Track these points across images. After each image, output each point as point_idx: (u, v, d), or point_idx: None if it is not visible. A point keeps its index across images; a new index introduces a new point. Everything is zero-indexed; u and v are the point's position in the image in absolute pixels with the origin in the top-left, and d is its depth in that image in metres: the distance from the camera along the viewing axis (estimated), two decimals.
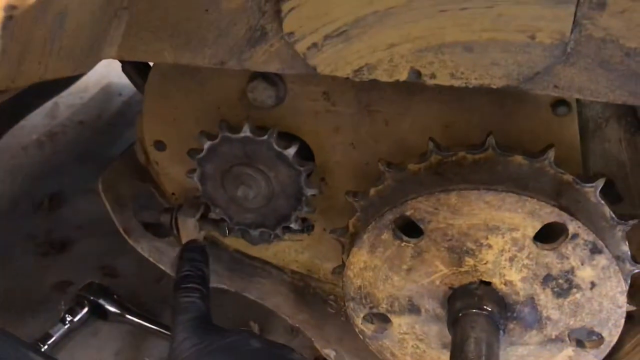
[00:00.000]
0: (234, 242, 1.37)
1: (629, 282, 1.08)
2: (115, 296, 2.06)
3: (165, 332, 1.94)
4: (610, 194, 1.12)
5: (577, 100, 1.05)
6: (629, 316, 1.17)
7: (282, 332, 2.00)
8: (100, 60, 1.05)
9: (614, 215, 1.02)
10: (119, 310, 2.02)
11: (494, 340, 0.98)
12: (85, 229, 2.50)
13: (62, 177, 2.79)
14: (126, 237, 1.27)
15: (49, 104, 3.23)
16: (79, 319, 2.00)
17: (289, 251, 1.36)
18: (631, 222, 1.03)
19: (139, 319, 2.00)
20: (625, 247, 1.05)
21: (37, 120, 3.22)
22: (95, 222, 2.50)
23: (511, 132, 1.07)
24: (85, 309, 2.01)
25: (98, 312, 2.03)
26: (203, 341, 1.10)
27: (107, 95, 3.62)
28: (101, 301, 2.02)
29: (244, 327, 2.01)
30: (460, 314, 1.02)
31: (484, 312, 1.01)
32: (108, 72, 3.66)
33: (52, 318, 2.00)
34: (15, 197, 2.70)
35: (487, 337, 0.98)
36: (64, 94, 3.16)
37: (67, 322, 1.97)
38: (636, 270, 1.07)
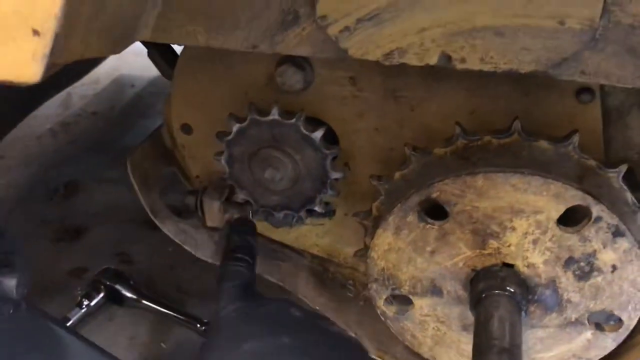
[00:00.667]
0: (261, 227, 1.39)
1: None
2: (130, 282, 2.09)
3: (181, 317, 1.98)
4: (631, 181, 1.14)
5: (601, 88, 1.08)
6: None
7: None
8: (134, 41, 1.07)
9: (636, 201, 1.04)
10: (134, 295, 2.04)
11: (516, 320, 1.00)
12: (99, 216, 2.53)
13: (76, 166, 2.82)
14: (152, 217, 1.29)
15: (62, 95, 3.27)
16: (96, 304, 2.03)
17: (310, 235, 1.38)
18: None
19: (154, 304, 2.03)
20: None
21: (50, 110, 3.26)
22: (110, 210, 2.54)
23: (535, 118, 1.09)
24: (102, 294, 2.04)
25: (114, 298, 2.06)
26: (246, 306, 1.13)
27: (120, 86, 3.66)
28: (117, 286, 2.05)
29: None
30: (483, 295, 1.04)
31: (507, 293, 1.03)
32: (120, 64, 3.70)
33: (68, 303, 2.03)
34: (30, 185, 2.74)
35: (510, 316, 1.00)
36: (77, 85, 3.20)
37: (84, 306, 2.00)
38: None
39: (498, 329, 0.97)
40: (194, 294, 2.17)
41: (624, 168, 1.02)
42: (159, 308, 2.02)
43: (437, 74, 1.11)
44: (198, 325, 1.95)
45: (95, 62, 3.03)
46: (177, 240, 1.33)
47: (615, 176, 1.03)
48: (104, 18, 0.89)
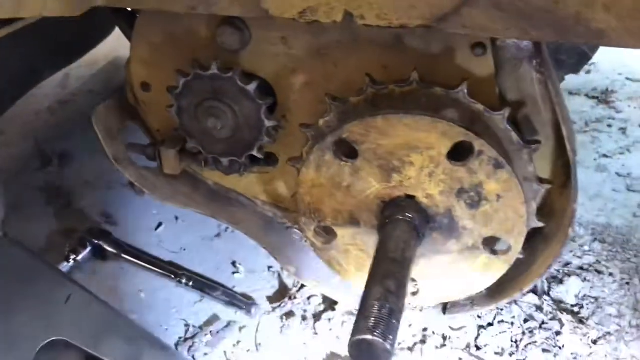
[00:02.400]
0: (211, 175, 1.57)
1: (537, 200, 1.28)
2: (113, 239, 2.29)
3: (158, 270, 2.18)
4: (528, 128, 1.31)
5: (493, 43, 1.24)
6: (543, 236, 1.37)
7: (265, 271, 2.23)
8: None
9: (520, 140, 1.21)
10: (116, 251, 2.25)
11: (411, 240, 1.18)
12: (90, 184, 2.74)
13: (71, 139, 3.02)
14: (115, 164, 1.47)
15: (60, 75, 3.47)
16: (82, 258, 2.23)
17: (258, 183, 1.56)
18: (534, 145, 1.22)
19: (134, 258, 2.23)
20: (531, 169, 1.24)
21: (49, 90, 3.47)
22: (100, 178, 2.74)
23: (438, 70, 1.25)
24: (87, 250, 2.25)
25: (98, 253, 2.26)
26: None
27: (116, 67, 3.85)
28: (101, 243, 2.25)
29: (230, 267, 2.25)
30: (386, 221, 1.22)
31: (406, 219, 1.20)
32: (117, 46, 3.89)
33: (58, 258, 2.24)
34: (27, 157, 2.95)
35: (406, 237, 1.18)
36: (74, 66, 3.39)
37: (70, 260, 2.20)
38: (542, 190, 1.26)
39: (393, 245, 1.15)
40: (173, 250, 2.37)
41: (507, 111, 1.19)
42: (138, 262, 2.21)
43: (355, 33, 1.27)
44: (173, 276, 2.15)
45: (92, 43, 3.23)
46: (137, 184, 1.52)
47: (500, 118, 1.19)
48: None
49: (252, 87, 1.31)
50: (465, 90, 1.18)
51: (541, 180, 1.25)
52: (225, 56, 1.35)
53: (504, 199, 1.19)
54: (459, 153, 1.19)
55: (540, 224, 1.30)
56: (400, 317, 1.02)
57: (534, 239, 1.42)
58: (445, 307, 1.51)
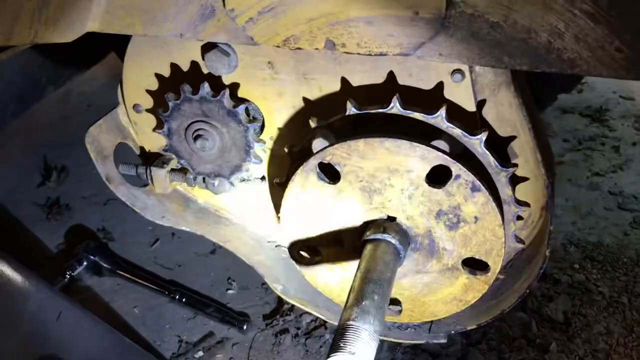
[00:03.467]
0: (201, 194, 1.61)
1: (515, 221, 1.31)
2: (109, 254, 2.33)
3: (153, 286, 2.21)
4: (508, 152, 1.34)
5: (472, 70, 1.27)
6: (524, 256, 1.40)
7: (258, 288, 2.26)
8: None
9: (497, 163, 1.24)
10: (112, 266, 2.28)
11: (390, 260, 1.20)
12: (88, 199, 2.79)
13: (71, 155, 3.07)
14: (107, 184, 1.51)
15: (61, 92, 3.53)
16: (77, 274, 2.27)
17: (248, 204, 1.59)
18: (511, 169, 1.25)
19: (129, 274, 2.27)
20: (509, 191, 1.27)
21: (51, 106, 3.52)
22: (98, 194, 2.78)
23: (419, 95, 1.29)
24: (83, 265, 2.28)
25: (94, 269, 2.30)
26: None
27: (116, 83, 3.90)
28: (97, 258, 2.29)
29: (224, 284, 2.28)
30: (367, 241, 1.25)
31: (386, 240, 1.24)
32: (119, 62, 3.94)
33: (55, 273, 2.28)
34: (27, 172, 3.00)
35: (387, 257, 1.21)
36: (76, 82, 3.45)
37: (66, 275, 2.24)
38: (520, 212, 1.29)
39: (373, 265, 1.18)
40: (168, 266, 2.40)
41: (484, 135, 1.22)
42: (133, 277, 2.25)
43: (338, 58, 1.31)
44: (167, 293, 2.18)
45: (93, 60, 3.28)
46: (128, 203, 1.55)
47: (478, 142, 1.23)
48: (49, 12, 1.12)
49: (240, 109, 1.35)
50: (444, 115, 1.21)
51: (519, 202, 1.28)
52: (213, 80, 1.39)
53: (482, 220, 1.22)
54: (440, 176, 1.22)
55: (520, 245, 1.33)
56: (377, 337, 1.05)
57: (515, 259, 1.46)
58: (430, 327, 1.53)
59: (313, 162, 1.27)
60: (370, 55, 1.18)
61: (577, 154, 3.03)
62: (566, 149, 3.07)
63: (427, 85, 1.29)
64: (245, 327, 2.08)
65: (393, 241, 1.23)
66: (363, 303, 1.07)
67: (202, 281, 2.33)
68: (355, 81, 1.33)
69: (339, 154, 1.24)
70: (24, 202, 2.77)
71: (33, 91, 2.89)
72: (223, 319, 2.12)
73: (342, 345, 1.01)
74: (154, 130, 1.51)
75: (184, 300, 2.16)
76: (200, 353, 2.03)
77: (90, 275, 2.30)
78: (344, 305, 1.10)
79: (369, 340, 1.02)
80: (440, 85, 1.28)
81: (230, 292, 2.27)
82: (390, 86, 1.31)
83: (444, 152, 1.18)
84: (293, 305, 2.15)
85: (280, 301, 2.19)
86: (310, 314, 2.08)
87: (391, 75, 1.30)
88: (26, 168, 3.02)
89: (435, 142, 1.24)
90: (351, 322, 1.04)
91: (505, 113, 1.30)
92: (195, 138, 1.37)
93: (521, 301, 2.09)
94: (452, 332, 1.48)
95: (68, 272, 2.25)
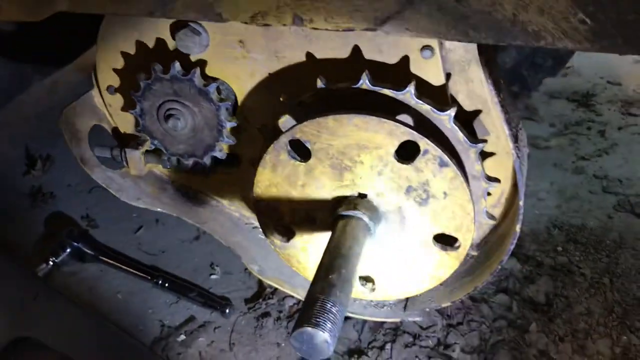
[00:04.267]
0: (178, 176, 1.61)
1: (485, 198, 1.31)
2: (92, 241, 2.33)
3: (136, 272, 2.21)
4: (479, 128, 1.34)
5: (441, 46, 1.27)
6: (498, 234, 1.40)
7: (241, 273, 2.27)
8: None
9: (467, 139, 1.25)
10: (95, 253, 2.28)
11: (360, 236, 1.21)
12: (72, 188, 2.79)
13: (57, 144, 3.06)
14: (82, 166, 1.51)
15: (48, 82, 3.51)
16: (61, 260, 2.26)
17: (222, 184, 1.59)
18: (480, 144, 1.25)
19: (113, 260, 2.27)
20: (479, 167, 1.27)
21: (38, 95, 3.51)
22: (82, 182, 2.78)
23: (389, 72, 1.29)
24: (66, 252, 2.28)
25: (77, 255, 2.30)
26: None
27: None
28: (80, 245, 2.29)
29: (208, 269, 2.28)
30: (338, 218, 1.25)
31: (357, 216, 1.24)
32: None
33: (39, 260, 2.28)
34: (13, 161, 2.99)
35: (356, 233, 1.21)
36: (63, 72, 3.44)
37: (50, 262, 2.24)
38: (490, 187, 1.30)
39: (342, 240, 1.18)
40: (152, 252, 2.40)
41: (452, 111, 1.22)
42: (116, 263, 2.25)
43: (308, 36, 1.31)
44: (150, 278, 2.18)
45: (81, 51, 3.27)
46: (104, 186, 1.55)
47: (447, 118, 1.23)
48: None
49: (211, 88, 1.34)
50: (412, 91, 1.21)
51: (489, 178, 1.28)
52: (185, 60, 1.39)
53: (451, 196, 1.23)
54: (410, 152, 1.22)
55: (490, 221, 1.33)
56: (344, 311, 1.05)
57: (489, 236, 1.46)
58: (406, 305, 1.54)
59: (283, 140, 1.27)
60: (338, 30, 1.17)
61: (563, 139, 3.03)
62: (552, 134, 3.07)
63: (396, 61, 1.28)
64: (227, 311, 2.08)
65: (363, 217, 1.23)
66: (330, 277, 1.08)
67: (186, 267, 2.33)
68: (326, 58, 1.33)
69: (309, 131, 1.24)
70: (9, 191, 2.76)
71: (19, 81, 2.89)
72: (206, 303, 2.12)
73: (307, 318, 1.01)
74: (126, 110, 1.50)
75: (166, 285, 2.16)
76: (183, 337, 2.04)
77: (73, 261, 2.30)
78: (312, 280, 1.11)
79: (334, 314, 1.03)
80: (408, 62, 1.27)
81: (213, 277, 2.27)
82: (360, 63, 1.31)
83: (411, 127, 1.17)
84: (275, 289, 2.16)
85: (262, 285, 2.19)
86: (292, 297, 2.10)
87: (361, 52, 1.30)
88: (11, 157, 3.01)
89: (401, 118, 1.23)
90: (317, 295, 1.05)
91: (475, 89, 1.30)
92: (167, 118, 1.37)
93: (501, 281, 2.12)
94: (427, 309, 1.48)
95: (51, 259, 2.25)
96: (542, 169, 2.79)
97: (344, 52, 1.31)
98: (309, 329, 0.99)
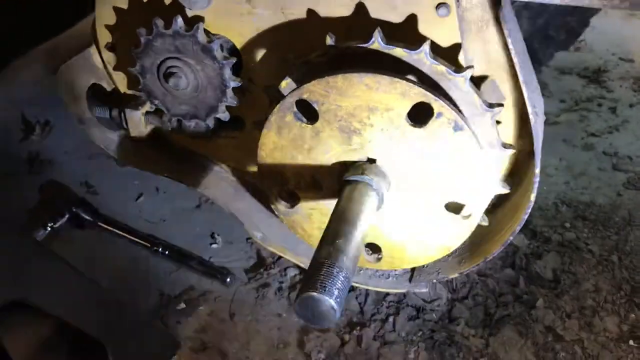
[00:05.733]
0: (179, 139, 1.55)
1: (500, 165, 1.26)
2: (91, 208, 2.28)
3: (135, 239, 2.17)
4: (494, 93, 1.29)
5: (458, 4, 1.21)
6: (511, 203, 1.35)
7: (243, 242, 2.23)
8: None
9: (482, 103, 1.19)
10: (93, 219, 2.23)
11: (369, 202, 1.15)
12: (71, 154, 2.73)
13: (55, 110, 3.00)
14: (79, 125, 1.46)
15: (49, 45, 3.43)
16: (59, 226, 2.22)
17: (226, 148, 1.54)
18: (497, 109, 1.19)
19: (111, 227, 2.22)
20: (495, 132, 1.22)
21: (37, 60, 3.43)
22: (81, 149, 2.72)
23: (403, 29, 1.22)
24: (65, 218, 2.23)
25: (76, 221, 2.25)
26: None
27: None
28: (79, 211, 2.24)
29: (209, 238, 2.24)
30: (346, 183, 1.20)
31: (365, 181, 1.19)
32: None
33: (37, 226, 2.23)
34: (10, 126, 2.93)
35: (364, 199, 1.16)
36: (63, 37, 3.36)
37: (47, 227, 2.19)
38: (505, 155, 1.24)
39: (349, 206, 1.13)
40: (153, 220, 2.36)
41: (469, 72, 1.16)
42: (115, 230, 2.20)
43: None
44: (149, 246, 2.14)
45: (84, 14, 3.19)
46: (102, 147, 1.50)
47: (463, 80, 1.17)
48: None
49: (214, 45, 1.28)
50: (427, 50, 1.15)
51: (504, 146, 1.23)
52: (188, 15, 1.32)
53: (464, 163, 1.17)
54: (422, 116, 1.16)
55: (504, 190, 1.28)
56: (350, 276, 1.01)
57: (501, 206, 1.41)
58: (412, 275, 1.50)
59: (290, 101, 1.21)
60: None
61: (573, 115, 2.96)
62: (562, 110, 3.00)
63: (410, 20, 1.22)
64: (228, 280, 2.05)
65: (372, 183, 1.18)
66: (336, 242, 1.03)
67: (187, 235, 2.28)
68: (336, 16, 1.26)
69: (317, 91, 1.18)
70: (5, 157, 2.71)
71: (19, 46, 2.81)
72: (206, 273, 2.08)
73: (313, 283, 0.97)
74: (126, 68, 1.44)
75: (166, 253, 2.12)
76: (183, 305, 2.01)
77: (72, 227, 2.26)
78: (317, 245, 1.06)
79: (341, 280, 0.98)
80: (425, 20, 1.21)
81: (214, 246, 2.23)
82: (371, 21, 1.24)
83: (425, 88, 1.12)
84: (277, 260, 2.13)
85: (263, 255, 2.15)
86: (294, 267, 2.06)
87: (373, 10, 1.23)
88: (9, 124, 2.96)
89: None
90: (324, 260, 1.00)
91: (493, 52, 1.24)
92: (168, 76, 1.31)
93: (508, 257, 2.07)
94: (434, 281, 1.44)
95: (49, 224, 2.21)
96: (551, 145, 2.73)
97: (355, 9, 1.24)
98: (315, 294, 0.94)
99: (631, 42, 3.54)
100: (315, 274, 0.97)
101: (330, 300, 0.94)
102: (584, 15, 2.74)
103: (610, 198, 2.42)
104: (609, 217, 2.32)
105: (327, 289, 0.95)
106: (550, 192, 2.46)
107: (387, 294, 1.94)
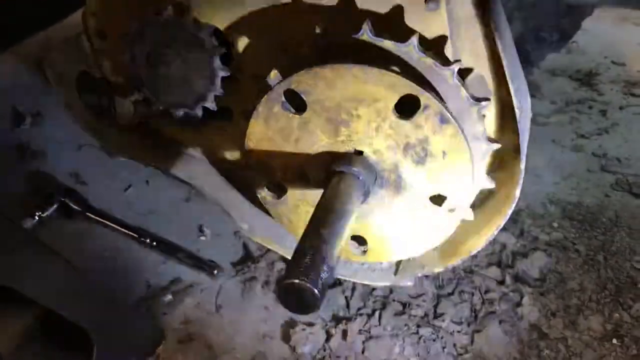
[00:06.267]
0: (168, 129, 1.55)
1: (486, 159, 1.26)
2: (80, 198, 2.27)
3: (123, 230, 2.16)
4: (482, 88, 1.29)
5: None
6: (496, 199, 1.36)
7: (231, 235, 2.22)
8: None
9: (469, 97, 1.19)
10: (82, 209, 2.23)
11: (355, 193, 1.16)
12: (61, 144, 2.72)
13: (46, 99, 2.98)
14: (67, 111, 1.45)
15: (42, 37, 3.41)
16: (47, 215, 2.21)
17: (215, 139, 1.54)
18: (483, 103, 1.20)
19: (100, 217, 2.22)
20: (481, 127, 1.23)
21: (30, 50, 3.42)
22: (71, 139, 2.71)
23: (396, 25, 1.22)
24: (53, 207, 2.22)
25: (64, 211, 2.24)
26: None
27: None
28: (67, 200, 2.23)
29: (197, 231, 2.23)
30: (333, 174, 1.20)
31: (352, 173, 1.19)
32: None
33: (25, 215, 2.22)
34: (2, 114, 2.91)
35: (350, 190, 1.16)
36: (56, 27, 3.34)
37: (35, 216, 2.18)
38: (491, 149, 1.25)
39: (335, 196, 1.13)
40: (141, 212, 2.35)
41: (456, 66, 1.17)
42: (103, 221, 2.20)
43: None
44: (137, 237, 2.13)
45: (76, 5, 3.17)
46: (89, 133, 1.50)
47: (450, 73, 1.17)
48: None
49: (204, 33, 1.28)
50: (416, 43, 1.15)
51: (490, 140, 1.24)
52: (178, 4, 1.32)
53: (450, 156, 1.18)
54: (409, 109, 1.17)
55: (490, 185, 1.29)
56: (333, 265, 1.01)
57: (488, 201, 1.42)
58: (397, 269, 1.50)
59: (277, 91, 1.21)
60: None
61: (563, 116, 2.98)
62: (553, 111, 3.02)
63: (400, 14, 1.22)
64: (215, 273, 2.04)
65: (358, 175, 1.18)
66: (320, 231, 1.03)
67: (175, 227, 2.27)
68: (328, 5, 1.27)
69: (305, 81, 1.18)
70: None
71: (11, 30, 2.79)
72: (193, 265, 2.08)
73: (297, 271, 0.97)
74: (116, 56, 1.44)
75: (154, 244, 2.11)
76: (169, 297, 2.00)
77: (60, 217, 2.25)
78: (302, 234, 1.06)
79: (323, 267, 0.98)
80: (414, 15, 1.21)
81: (202, 238, 2.23)
82: (360, 12, 1.25)
83: (413, 80, 1.12)
84: (265, 253, 2.12)
85: (250, 249, 2.15)
86: (281, 261, 2.06)
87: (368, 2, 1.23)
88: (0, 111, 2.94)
89: None
90: (307, 249, 1.00)
91: (479, 47, 1.25)
92: (158, 64, 1.31)
93: (494, 255, 2.08)
94: (419, 275, 1.44)
95: (37, 213, 2.20)
96: (540, 146, 2.75)
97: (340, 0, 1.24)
98: (298, 281, 0.95)
99: (623, 46, 3.56)
100: (299, 262, 0.98)
101: (313, 288, 0.95)
102: (576, 17, 2.75)
103: (598, 199, 2.43)
104: (596, 217, 2.34)
105: (310, 277, 0.96)
106: (539, 191, 2.47)
107: (374, 289, 1.95)
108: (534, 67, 2.98)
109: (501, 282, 2.01)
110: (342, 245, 1.08)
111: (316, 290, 0.95)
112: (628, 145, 2.75)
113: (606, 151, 2.72)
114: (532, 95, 3.12)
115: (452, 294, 1.96)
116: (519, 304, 1.93)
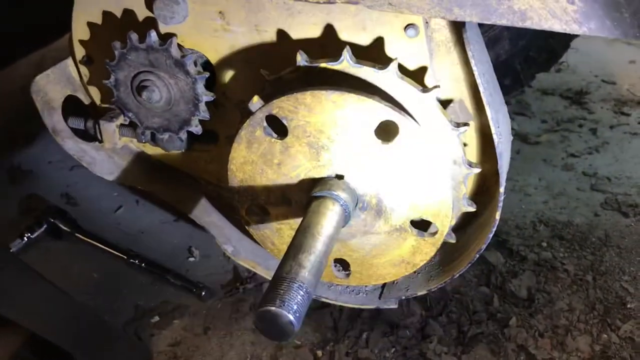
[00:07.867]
0: (153, 151, 1.56)
1: (466, 183, 1.27)
2: (69, 219, 2.27)
3: (112, 251, 2.16)
4: (462, 113, 1.30)
5: (428, 25, 1.23)
6: (479, 222, 1.36)
7: (220, 257, 2.23)
8: None
9: (448, 122, 1.20)
10: (71, 229, 2.23)
11: (335, 218, 1.16)
12: (53, 165, 2.73)
13: (39, 119, 3.00)
14: (54, 136, 1.46)
15: (36, 57, 3.44)
16: (36, 236, 2.22)
17: (200, 161, 1.54)
18: (463, 128, 1.21)
19: (89, 238, 2.22)
20: (460, 151, 1.24)
21: (24, 70, 3.44)
22: (63, 160, 2.72)
23: (372, 50, 1.24)
24: (42, 228, 2.23)
25: (53, 232, 2.25)
26: None
27: None
28: (56, 221, 2.24)
29: (186, 252, 2.24)
30: (313, 198, 1.21)
31: (332, 196, 1.20)
32: None
33: (14, 236, 2.23)
34: None
35: (330, 214, 1.17)
36: (52, 48, 3.37)
37: (24, 237, 2.19)
38: (471, 173, 1.26)
39: (315, 221, 1.14)
40: (131, 232, 2.36)
41: (435, 92, 1.18)
42: (93, 242, 2.20)
43: (291, 10, 1.26)
44: (126, 258, 2.14)
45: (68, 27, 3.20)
46: (75, 158, 1.50)
47: (429, 99, 1.18)
48: None
49: (188, 60, 1.30)
50: (395, 69, 1.17)
51: (470, 164, 1.25)
52: (162, 30, 1.34)
53: (430, 180, 1.19)
54: (389, 133, 1.18)
55: (470, 208, 1.30)
56: (311, 291, 1.01)
57: (470, 224, 1.42)
58: (382, 292, 1.50)
59: (259, 116, 1.22)
60: (319, 3, 1.13)
61: (554, 135, 3.00)
62: (543, 130, 3.04)
63: (379, 40, 1.24)
64: (204, 294, 2.04)
65: (338, 199, 1.19)
66: (298, 257, 1.04)
67: (164, 248, 2.28)
68: (307, 35, 1.28)
69: (286, 107, 1.19)
70: None
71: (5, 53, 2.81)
72: (182, 286, 2.08)
73: (272, 298, 0.97)
74: (101, 81, 1.45)
75: (143, 265, 2.12)
76: (157, 318, 2.00)
77: (49, 238, 2.25)
78: (281, 259, 1.07)
79: (301, 295, 0.99)
80: (394, 41, 1.23)
81: (191, 260, 2.23)
82: (342, 41, 1.26)
83: (392, 106, 1.13)
84: (253, 275, 2.13)
85: (239, 270, 2.15)
86: (269, 282, 2.06)
87: (345, 29, 1.25)
88: None
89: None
90: (284, 275, 1.01)
91: (458, 72, 1.26)
92: (142, 89, 1.32)
93: (483, 275, 2.08)
94: (403, 297, 1.45)
95: (26, 234, 2.21)
96: (531, 165, 2.76)
97: (326, 29, 1.26)
98: (273, 309, 0.95)
99: (613, 65, 3.59)
100: (276, 288, 0.98)
101: (288, 315, 0.95)
102: (565, 37, 2.78)
103: (587, 218, 2.44)
104: (585, 237, 2.34)
105: (285, 303, 0.96)
106: (528, 211, 2.48)
107: (362, 311, 1.95)
108: (524, 86, 3.00)
109: (489, 303, 2.01)
110: (323, 270, 1.08)
111: (292, 317, 0.95)
112: (618, 164, 2.76)
113: (596, 170, 2.74)
114: (522, 114, 3.15)
115: (440, 314, 1.96)
116: (506, 325, 1.94)
